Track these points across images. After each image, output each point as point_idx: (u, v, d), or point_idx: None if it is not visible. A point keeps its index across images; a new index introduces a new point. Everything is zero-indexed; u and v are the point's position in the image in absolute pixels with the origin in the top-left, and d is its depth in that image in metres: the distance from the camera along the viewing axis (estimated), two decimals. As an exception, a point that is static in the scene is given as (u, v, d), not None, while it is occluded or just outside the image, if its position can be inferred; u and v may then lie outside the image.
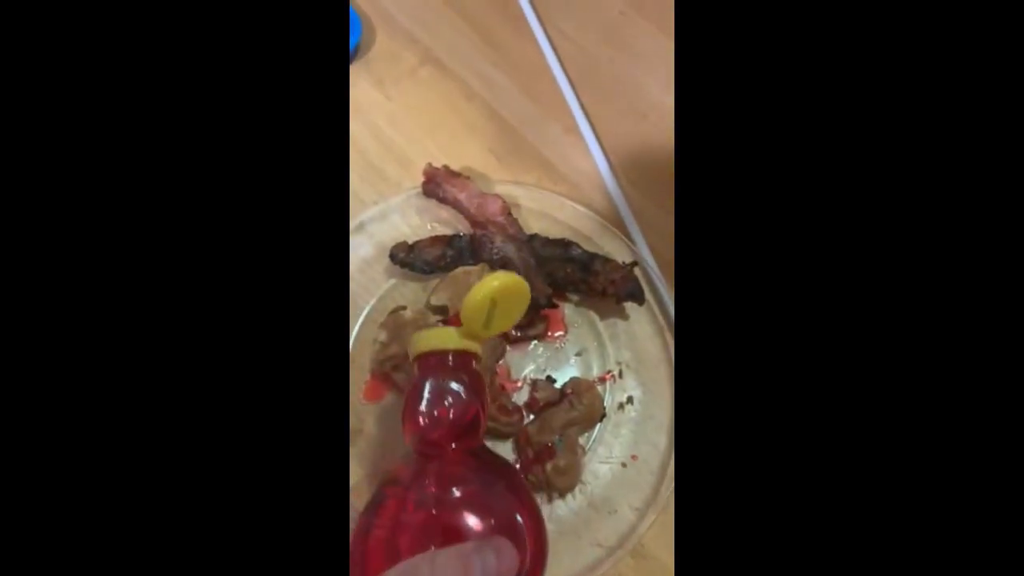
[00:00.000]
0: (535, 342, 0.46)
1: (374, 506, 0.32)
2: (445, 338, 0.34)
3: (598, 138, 0.54)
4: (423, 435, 0.33)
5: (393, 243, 0.47)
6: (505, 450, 0.42)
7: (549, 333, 0.46)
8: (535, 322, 0.45)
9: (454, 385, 0.33)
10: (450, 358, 0.34)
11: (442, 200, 0.48)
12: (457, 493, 0.31)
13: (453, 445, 0.33)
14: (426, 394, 0.33)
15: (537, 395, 0.43)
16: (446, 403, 0.33)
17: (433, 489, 0.31)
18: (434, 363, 0.34)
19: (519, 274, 0.44)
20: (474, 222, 0.47)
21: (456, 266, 0.46)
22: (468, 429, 0.33)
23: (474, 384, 0.34)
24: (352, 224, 0.48)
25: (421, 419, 0.33)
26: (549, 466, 0.40)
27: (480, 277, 0.45)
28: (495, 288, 0.33)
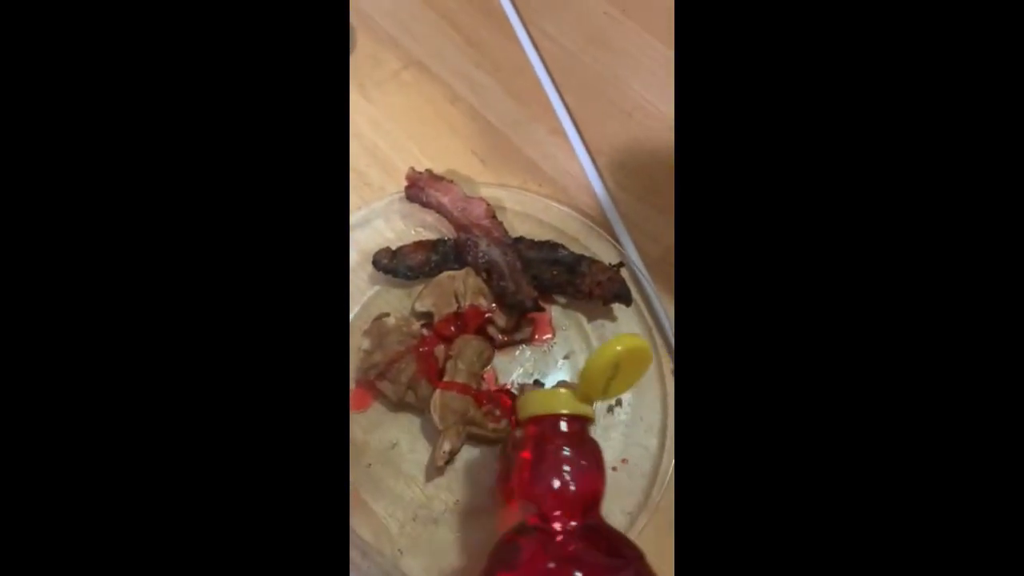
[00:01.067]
0: (522, 346, 0.45)
1: None
2: (559, 402, 0.32)
3: (583, 139, 0.54)
4: (541, 508, 0.30)
5: (376, 249, 0.46)
6: (494, 455, 0.42)
7: (536, 336, 0.45)
8: (522, 326, 0.45)
9: (573, 453, 0.31)
10: (564, 423, 0.32)
11: (426, 204, 0.47)
12: None
13: (573, 523, 0.30)
14: (543, 463, 0.31)
15: (525, 400, 0.42)
16: (565, 473, 0.30)
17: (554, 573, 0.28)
18: (548, 429, 0.32)
19: (505, 277, 0.44)
20: (459, 226, 0.47)
21: (441, 271, 0.45)
22: (589, 502, 0.31)
23: (593, 452, 0.32)
24: (335, 230, 0.47)
25: (540, 491, 0.30)
26: (538, 472, 0.39)
27: (465, 282, 0.44)
28: (619, 353, 0.30)
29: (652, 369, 0.45)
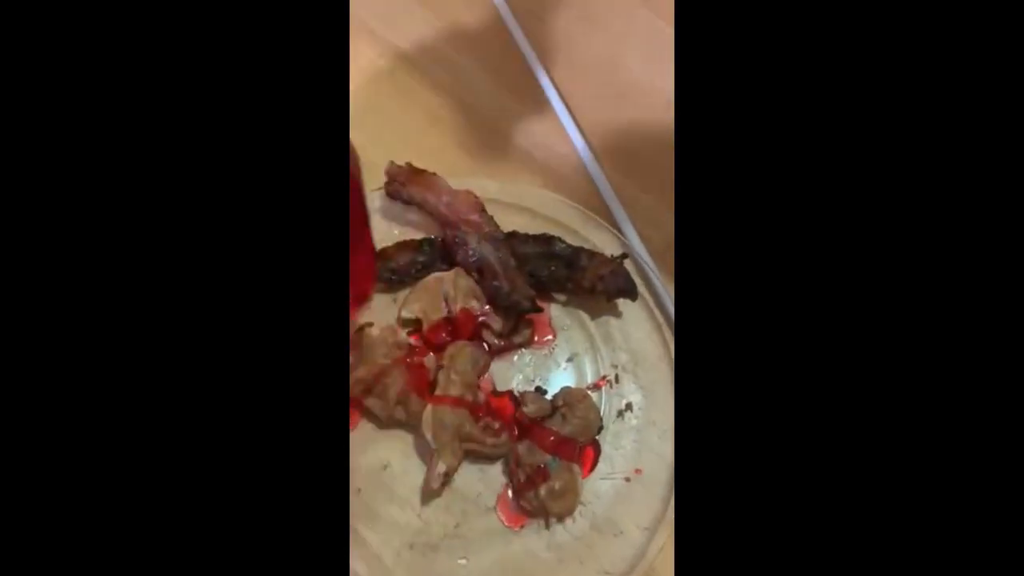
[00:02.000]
0: (521, 350, 0.42)
1: None
2: None
3: (576, 122, 0.51)
4: None
5: (357, 252, 0.43)
6: (495, 473, 0.39)
7: (536, 339, 0.42)
8: (519, 328, 0.42)
9: None
10: None
11: (408, 201, 0.44)
12: None
13: None
14: None
15: (526, 409, 0.39)
16: None
17: None
18: None
19: (498, 276, 0.41)
20: (445, 223, 0.43)
21: (428, 273, 0.43)
22: None
23: None
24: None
25: None
26: (543, 489, 0.36)
27: (455, 284, 0.41)
28: None
29: (662, 369, 0.42)
